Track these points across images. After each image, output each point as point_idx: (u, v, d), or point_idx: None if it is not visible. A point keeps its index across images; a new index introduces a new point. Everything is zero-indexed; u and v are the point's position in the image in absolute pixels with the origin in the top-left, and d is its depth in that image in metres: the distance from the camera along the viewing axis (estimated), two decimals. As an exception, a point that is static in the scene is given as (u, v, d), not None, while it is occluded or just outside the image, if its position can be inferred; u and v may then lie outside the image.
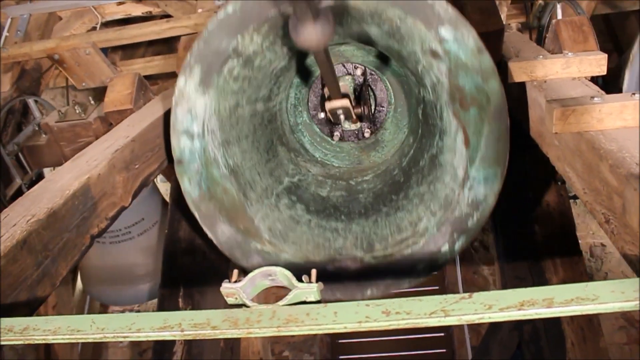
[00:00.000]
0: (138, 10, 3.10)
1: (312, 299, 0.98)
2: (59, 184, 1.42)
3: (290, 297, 0.96)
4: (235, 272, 1.06)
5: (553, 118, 1.39)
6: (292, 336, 5.25)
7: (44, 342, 0.90)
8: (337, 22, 1.72)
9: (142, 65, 3.34)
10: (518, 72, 1.73)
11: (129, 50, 3.63)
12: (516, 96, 1.82)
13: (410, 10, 1.44)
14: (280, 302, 0.95)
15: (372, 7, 1.50)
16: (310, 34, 1.17)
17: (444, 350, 5.29)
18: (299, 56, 1.86)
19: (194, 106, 1.55)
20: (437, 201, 1.66)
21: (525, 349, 1.95)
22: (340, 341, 5.59)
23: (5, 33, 2.75)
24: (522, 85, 1.75)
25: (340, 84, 1.90)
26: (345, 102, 1.78)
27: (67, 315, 0.94)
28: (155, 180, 2.33)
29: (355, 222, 1.87)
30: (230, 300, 1.02)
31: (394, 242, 1.72)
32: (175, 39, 2.58)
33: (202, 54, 1.52)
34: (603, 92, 1.47)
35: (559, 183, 2.08)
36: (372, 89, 2.12)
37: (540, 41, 2.40)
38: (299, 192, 1.97)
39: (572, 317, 1.85)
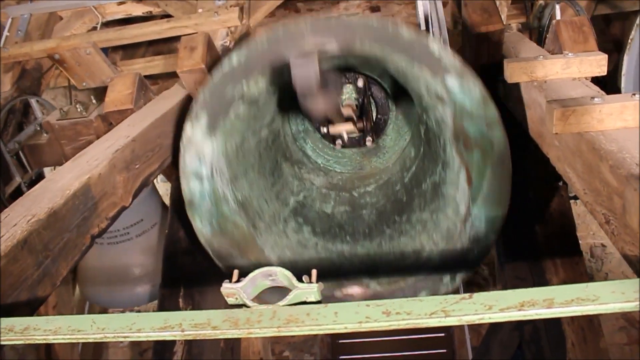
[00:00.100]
0: (138, 10, 3.10)
1: (313, 299, 0.98)
2: (60, 183, 1.42)
3: (290, 298, 0.96)
4: (236, 272, 1.06)
5: (553, 118, 1.39)
6: (293, 336, 5.25)
7: (44, 342, 0.90)
8: (342, 62, 1.75)
9: (142, 65, 3.33)
10: (518, 72, 1.73)
11: (130, 50, 3.63)
12: (516, 96, 1.82)
13: (417, 57, 1.44)
14: (281, 303, 0.95)
15: (378, 53, 1.50)
16: (318, 106, 1.21)
17: (445, 351, 5.29)
18: None
19: (202, 151, 1.58)
20: (440, 232, 1.70)
21: (525, 349, 1.96)
22: (340, 341, 5.59)
23: (5, 33, 2.75)
24: (522, 85, 1.75)
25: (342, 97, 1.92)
26: (348, 126, 1.81)
27: (68, 315, 0.94)
28: (155, 180, 2.33)
29: (360, 244, 1.90)
30: (230, 300, 1.02)
31: (397, 268, 1.75)
32: (176, 38, 2.58)
33: (207, 103, 1.53)
34: (603, 93, 1.47)
35: (559, 183, 2.08)
36: (373, 97, 2.12)
37: (540, 41, 2.40)
38: (305, 211, 1.99)
39: (572, 318, 1.85)
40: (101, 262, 3.15)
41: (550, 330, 1.87)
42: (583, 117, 1.34)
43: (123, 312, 4.95)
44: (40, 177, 2.63)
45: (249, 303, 0.98)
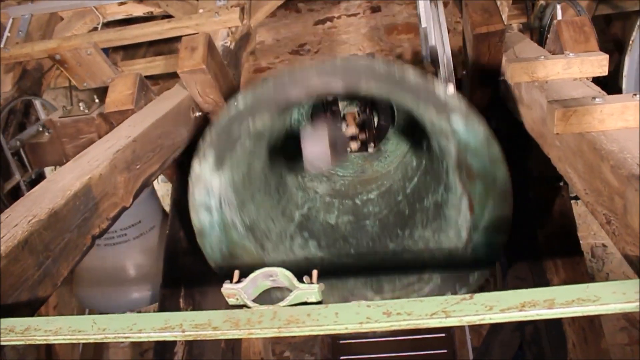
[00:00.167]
0: (139, 10, 3.10)
1: (313, 300, 0.98)
2: (60, 184, 1.42)
3: (291, 298, 0.96)
4: (237, 272, 1.06)
5: (554, 119, 1.39)
6: (294, 337, 5.24)
7: (45, 342, 0.91)
8: (348, 97, 1.77)
9: (143, 66, 3.34)
10: (519, 72, 1.73)
11: (130, 51, 3.63)
12: (517, 97, 1.81)
13: (423, 99, 1.46)
14: (281, 303, 0.95)
15: (383, 94, 1.54)
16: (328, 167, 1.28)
17: (445, 351, 5.29)
18: None
19: (210, 185, 1.61)
20: (441, 252, 1.74)
21: (526, 350, 1.95)
22: (341, 342, 5.59)
23: (6, 33, 2.75)
24: (523, 85, 1.75)
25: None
26: (353, 145, 1.88)
27: (69, 315, 0.94)
28: (156, 181, 2.33)
29: (364, 259, 1.93)
30: (231, 300, 1.02)
31: (401, 285, 1.80)
32: (177, 39, 2.58)
33: (214, 142, 1.56)
34: (604, 93, 1.47)
35: (560, 184, 2.08)
36: (375, 105, 2.13)
37: (541, 42, 2.40)
38: (310, 224, 2.01)
39: (573, 318, 1.85)
40: (97, 263, 3.09)
41: (551, 330, 1.86)
42: (584, 118, 1.34)
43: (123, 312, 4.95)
44: (41, 177, 2.63)
45: (249, 303, 0.98)
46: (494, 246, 1.57)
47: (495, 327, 2.78)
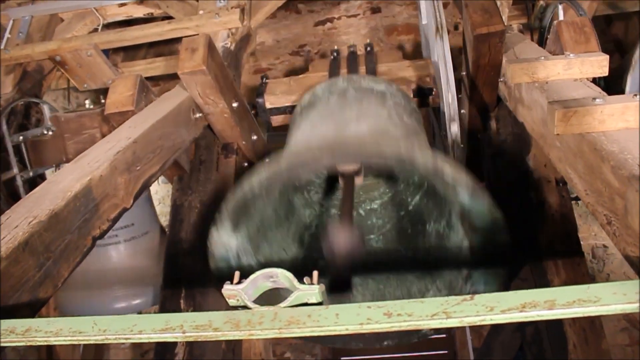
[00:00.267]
0: (139, 11, 3.10)
1: (314, 301, 0.98)
2: (61, 185, 1.42)
3: (291, 299, 0.96)
4: (237, 273, 1.06)
5: (555, 119, 1.39)
6: (294, 338, 5.24)
7: (45, 343, 0.91)
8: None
9: (143, 67, 3.34)
10: (519, 73, 1.73)
11: (131, 52, 3.63)
12: (517, 97, 1.82)
13: (431, 175, 1.55)
14: (282, 304, 0.95)
15: (389, 169, 1.66)
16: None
17: (446, 352, 5.28)
18: None
19: (228, 244, 1.66)
20: (443, 281, 1.77)
21: (527, 351, 1.95)
22: (341, 342, 5.58)
23: (7, 35, 2.75)
24: (523, 86, 1.75)
25: None
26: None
27: (69, 316, 0.95)
28: (157, 182, 2.32)
29: (370, 277, 1.96)
30: (231, 302, 1.02)
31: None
32: (177, 40, 2.58)
33: (230, 214, 1.61)
34: (605, 94, 1.47)
35: (561, 184, 2.08)
36: None
37: (541, 42, 2.40)
38: (318, 244, 2.03)
39: (574, 319, 1.85)
40: (85, 263, 2.96)
41: (551, 331, 1.86)
42: (584, 118, 1.34)
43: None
44: (40, 178, 2.63)
45: (250, 304, 0.98)
46: (493, 283, 1.63)
47: (496, 328, 2.78)
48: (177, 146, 1.99)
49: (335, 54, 2.80)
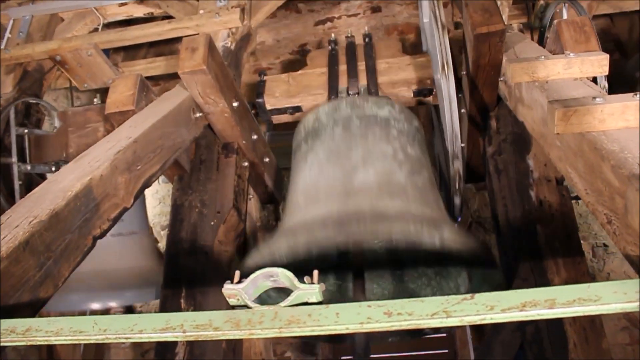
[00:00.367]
0: (140, 11, 3.10)
1: (314, 300, 0.98)
2: (61, 184, 1.42)
3: (292, 298, 0.96)
4: (237, 273, 1.06)
5: (555, 119, 1.38)
6: (295, 337, 5.24)
7: (46, 343, 0.91)
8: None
9: (144, 67, 3.33)
10: (520, 72, 1.72)
11: (131, 52, 3.63)
12: (518, 97, 1.81)
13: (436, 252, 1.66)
14: (282, 303, 0.95)
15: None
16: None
17: (446, 351, 5.28)
18: None
19: None
20: (442, 294, 1.83)
21: (527, 350, 1.95)
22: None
23: (7, 34, 2.76)
24: (523, 85, 1.75)
25: None
26: None
27: (70, 316, 0.95)
28: (157, 181, 2.31)
29: (375, 282, 2.06)
30: (232, 301, 1.02)
31: None
32: (177, 40, 2.58)
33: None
34: (605, 93, 1.47)
35: (561, 184, 2.08)
36: None
37: (541, 42, 2.39)
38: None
39: (574, 318, 1.85)
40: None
41: (552, 330, 1.86)
42: (584, 117, 1.34)
43: (124, 312, 4.95)
44: (42, 177, 2.63)
45: (250, 304, 0.98)
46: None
47: (497, 327, 2.77)
48: (178, 146, 1.99)
49: (333, 44, 2.73)
